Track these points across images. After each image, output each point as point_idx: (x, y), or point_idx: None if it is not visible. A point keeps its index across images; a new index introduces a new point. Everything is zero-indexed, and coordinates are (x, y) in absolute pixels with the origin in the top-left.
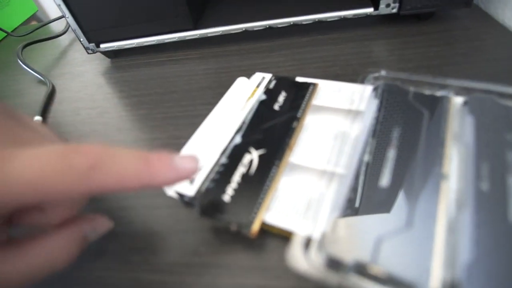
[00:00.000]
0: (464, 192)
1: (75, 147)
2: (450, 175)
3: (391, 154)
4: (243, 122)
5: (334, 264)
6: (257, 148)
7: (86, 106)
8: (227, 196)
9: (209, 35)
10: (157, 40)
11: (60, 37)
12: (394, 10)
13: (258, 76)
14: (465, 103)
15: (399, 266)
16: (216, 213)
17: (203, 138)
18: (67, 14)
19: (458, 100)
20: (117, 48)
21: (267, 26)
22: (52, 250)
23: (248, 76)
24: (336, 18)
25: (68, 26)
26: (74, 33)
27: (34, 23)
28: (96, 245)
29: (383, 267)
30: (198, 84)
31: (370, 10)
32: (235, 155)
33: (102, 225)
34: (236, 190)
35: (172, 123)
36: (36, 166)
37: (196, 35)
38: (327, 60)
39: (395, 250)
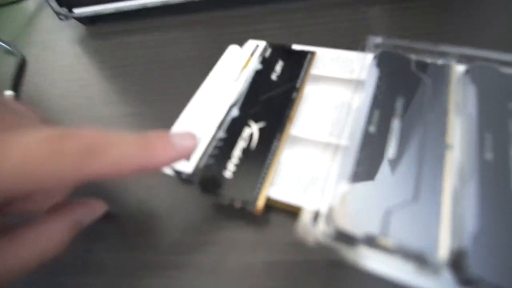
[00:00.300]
0: (468, 162)
1: (67, 131)
2: (455, 145)
3: (395, 124)
4: (239, 94)
5: (344, 237)
6: (256, 121)
7: (64, 78)
8: (228, 172)
9: None
10: (138, 4)
11: (27, 1)
12: None
13: (251, 44)
14: (467, 72)
15: (408, 237)
16: (218, 190)
17: (196, 111)
18: None
19: (459, 69)
20: (93, 14)
21: None
22: (43, 239)
23: (240, 44)
24: None
25: None
26: None
27: None
28: (94, 228)
29: (392, 239)
30: (186, 53)
31: None
32: (233, 129)
33: (96, 209)
34: (237, 166)
35: (161, 96)
36: (25, 153)
37: None
38: (322, 27)
39: (404, 222)
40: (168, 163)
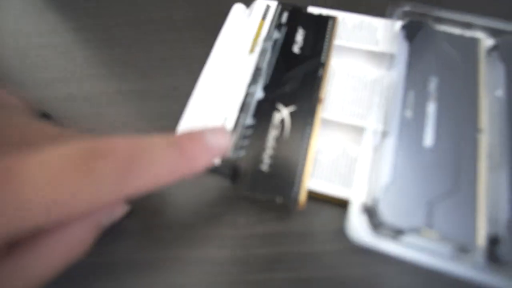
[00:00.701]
0: (499, 147)
1: (96, 145)
2: (485, 130)
3: (431, 108)
4: (258, 69)
5: (389, 230)
6: (286, 104)
7: (33, 43)
8: (264, 166)
9: None
10: None
11: None
12: None
13: (260, 3)
14: (495, 48)
15: (450, 228)
16: (258, 187)
17: (209, 90)
18: None
19: (488, 43)
20: None
21: None
22: (65, 244)
23: (245, 2)
24: None
25: None
26: None
27: None
28: (118, 226)
29: (437, 230)
30: (181, 11)
31: None
32: (261, 114)
33: (117, 209)
34: (272, 157)
35: (162, 68)
36: (52, 178)
37: None
38: None
39: (446, 213)
40: (205, 166)
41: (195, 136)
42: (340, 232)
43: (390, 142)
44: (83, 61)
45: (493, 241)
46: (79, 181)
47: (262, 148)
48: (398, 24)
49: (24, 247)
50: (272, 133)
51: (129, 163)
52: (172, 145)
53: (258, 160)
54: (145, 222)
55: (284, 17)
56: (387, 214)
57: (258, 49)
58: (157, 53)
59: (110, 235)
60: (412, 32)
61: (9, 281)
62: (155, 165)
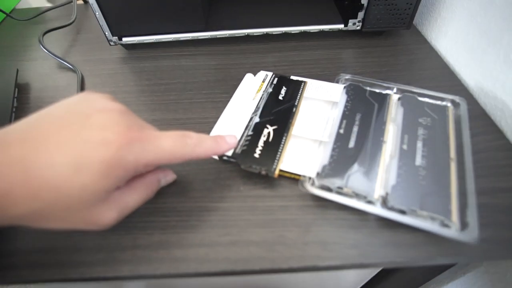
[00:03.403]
0: (394, 149)
1: (183, 132)
2: (388, 141)
3: (355, 129)
4: (257, 107)
5: (325, 188)
6: (271, 125)
7: (119, 90)
8: (256, 154)
9: (217, 36)
10: (174, 37)
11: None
12: (358, 27)
13: (262, 73)
14: (399, 99)
15: (359, 188)
16: (251, 164)
17: (228, 119)
18: (98, 11)
19: (395, 97)
20: (137, 42)
21: (265, 33)
22: (145, 187)
23: (253, 72)
24: (316, 30)
25: (76, 16)
26: (101, 28)
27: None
28: (167, 188)
29: (351, 188)
30: (213, 76)
31: (341, 26)
32: (257, 129)
33: (170, 175)
34: (261, 151)
35: (199, 107)
36: (169, 142)
37: (207, 35)
38: (310, 63)
39: (357, 180)
40: (225, 152)
41: (221, 136)
42: (297, 194)
43: (329, 145)
44: (151, 101)
45: (384, 197)
46: (180, 145)
47: (256, 146)
48: (342, 85)
49: (128, 184)
50: (262, 139)
51: (198, 143)
52: (211, 138)
53: (253, 151)
54: (183, 186)
55: (275, 80)
56: (323, 180)
57: (258, 97)
58: (196, 100)
59: (162, 193)
60: (350, 90)
61: (121, 202)
62: (205, 145)
